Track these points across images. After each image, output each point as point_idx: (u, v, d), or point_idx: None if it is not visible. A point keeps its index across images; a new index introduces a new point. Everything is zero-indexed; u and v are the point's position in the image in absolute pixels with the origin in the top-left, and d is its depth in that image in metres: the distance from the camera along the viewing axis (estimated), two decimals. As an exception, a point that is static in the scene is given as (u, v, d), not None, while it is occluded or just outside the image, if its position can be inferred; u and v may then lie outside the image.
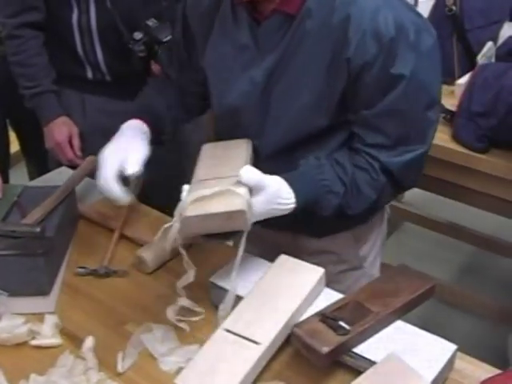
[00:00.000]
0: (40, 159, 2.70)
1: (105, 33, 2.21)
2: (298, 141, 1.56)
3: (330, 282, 1.54)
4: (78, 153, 2.33)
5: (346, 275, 1.79)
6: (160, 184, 2.16)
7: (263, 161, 1.57)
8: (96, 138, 1.63)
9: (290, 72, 1.50)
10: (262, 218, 1.41)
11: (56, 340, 1.47)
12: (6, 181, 2.45)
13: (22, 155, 2.87)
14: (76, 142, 2.33)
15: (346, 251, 1.78)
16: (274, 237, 1.73)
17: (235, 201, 1.34)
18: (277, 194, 1.40)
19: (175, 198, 1.40)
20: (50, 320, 1.50)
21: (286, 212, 1.44)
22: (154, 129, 1.68)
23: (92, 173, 1.94)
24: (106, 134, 1.61)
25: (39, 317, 1.53)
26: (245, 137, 1.62)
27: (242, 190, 1.36)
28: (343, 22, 1.41)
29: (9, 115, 2.61)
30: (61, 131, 2.30)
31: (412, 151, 1.49)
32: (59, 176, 2.05)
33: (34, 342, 1.47)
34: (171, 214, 1.41)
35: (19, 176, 2.90)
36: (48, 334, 1.48)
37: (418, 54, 1.41)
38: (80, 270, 1.68)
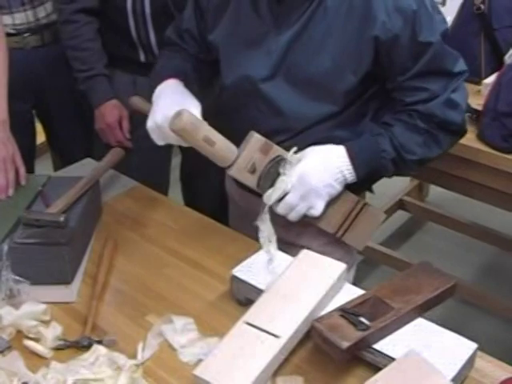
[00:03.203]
0: (65, 150, 2.73)
1: (158, 16, 2.25)
2: (325, 111, 1.65)
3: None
4: (127, 135, 2.37)
5: (333, 247, 1.77)
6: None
7: (291, 137, 1.68)
8: (146, 118, 1.67)
9: (308, 43, 1.60)
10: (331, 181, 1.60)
11: (46, 351, 1.42)
12: (31, 171, 2.48)
13: (48, 146, 2.88)
14: (125, 124, 2.38)
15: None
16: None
17: None
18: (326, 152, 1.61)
19: None
20: (56, 330, 1.47)
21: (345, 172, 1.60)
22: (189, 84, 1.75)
23: (116, 164, 1.97)
24: None
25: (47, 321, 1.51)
26: (257, 109, 1.69)
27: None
28: (365, 0, 1.52)
29: (35, 106, 2.63)
30: (112, 113, 2.35)
31: (446, 90, 1.61)
32: (84, 167, 2.06)
33: (26, 342, 1.44)
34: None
35: (44, 167, 2.92)
36: (47, 340, 1.44)
37: (438, 19, 1.58)
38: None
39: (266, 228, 1.55)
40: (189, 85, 1.74)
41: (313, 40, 1.58)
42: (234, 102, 1.76)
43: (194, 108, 1.62)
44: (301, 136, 1.66)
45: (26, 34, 2.45)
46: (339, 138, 1.65)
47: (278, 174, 1.60)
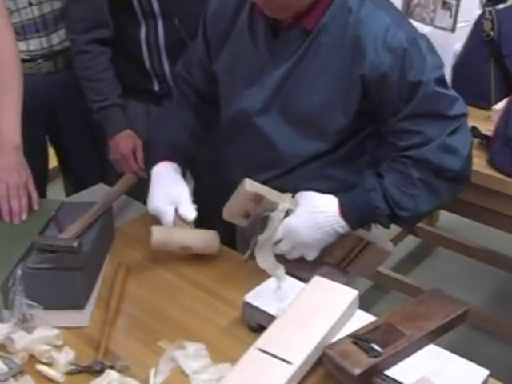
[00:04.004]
0: (77, 175, 2.74)
1: (172, 47, 2.26)
2: (317, 148, 1.65)
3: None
4: (141, 165, 2.37)
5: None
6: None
7: (285, 173, 1.69)
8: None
9: (301, 79, 1.62)
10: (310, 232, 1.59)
11: (59, 376, 1.43)
12: (43, 196, 2.49)
13: (60, 171, 2.90)
14: (140, 154, 2.36)
15: None
16: None
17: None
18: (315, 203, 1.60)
19: None
20: (69, 355, 1.47)
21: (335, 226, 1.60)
22: (182, 160, 1.84)
23: (128, 190, 1.98)
24: None
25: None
26: (252, 142, 1.71)
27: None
28: (356, 38, 1.54)
29: (48, 131, 2.65)
30: (126, 144, 2.35)
31: (441, 134, 1.56)
32: (96, 192, 2.08)
33: (38, 367, 1.45)
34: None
35: (56, 191, 2.93)
36: (59, 365, 1.44)
37: (432, 62, 1.56)
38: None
39: (266, 256, 1.60)
40: (184, 152, 1.86)
41: (305, 77, 1.61)
42: (230, 133, 1.78)
43: (182, 191, 1.77)
44: (295, 173, 1.68)
45: (39, 60, 2.48)
46: (334, 177, 1.67)
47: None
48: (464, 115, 1.60)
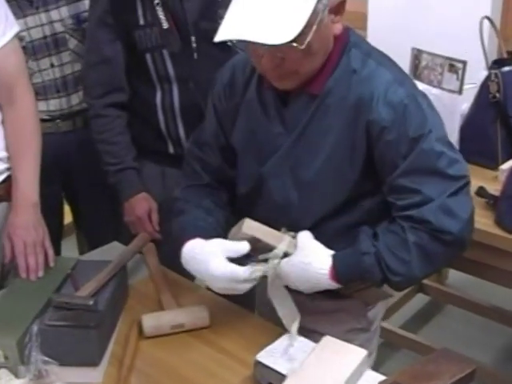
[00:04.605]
0: (92, 232, 2.78)
1: (187, 111, 2.29)
2: (328, 207, 1.67)
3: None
4: (157, 227, 2.39)
5: (354, 335, 1.80)
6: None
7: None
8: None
9: (311, 140, 1.64)
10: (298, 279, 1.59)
11: None
12: (58, 252, 2.52)
13: (74, 228, 2.94)
14: (155, 217, 2.39)
15: (357, 311, 1.82)
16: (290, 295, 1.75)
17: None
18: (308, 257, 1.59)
19: None
20: None
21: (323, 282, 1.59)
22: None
23: (142, 249, 2.01)
24: None
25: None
26: (270, 206, 1.72)
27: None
28: (359, 97, 1.58)
29: (64, 188, 2.70)
30: (141, 206, 2.37)
31: (441, 195, 1.55)
32: (110, 251, 2.11)
33: None
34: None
35: (69, 247, 2.96)
36: None
37: (431, 116, 1.58)
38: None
39: (284, 301, 1.61)
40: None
41: (313, 138, 1.64)
42: (249, 202, 1.79)
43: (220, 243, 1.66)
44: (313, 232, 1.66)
45: (58, 120, 2.54)
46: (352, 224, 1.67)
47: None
48: (465, 177, 1.59)
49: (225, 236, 1.69)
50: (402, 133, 1.55)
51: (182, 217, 1.81)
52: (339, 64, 1.62)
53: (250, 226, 1.62)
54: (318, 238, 1.64)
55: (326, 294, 1.68)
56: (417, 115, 1.55)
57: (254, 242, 1.61)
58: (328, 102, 1.62)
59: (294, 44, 1.46)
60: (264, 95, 1.70)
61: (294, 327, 1.60)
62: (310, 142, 1.64)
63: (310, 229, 1.65)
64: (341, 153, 1.61)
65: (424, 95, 1.64)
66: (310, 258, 1.60)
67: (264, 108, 1.70)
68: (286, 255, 1.61)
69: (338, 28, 1.59)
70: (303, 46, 1.48)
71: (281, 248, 1.61)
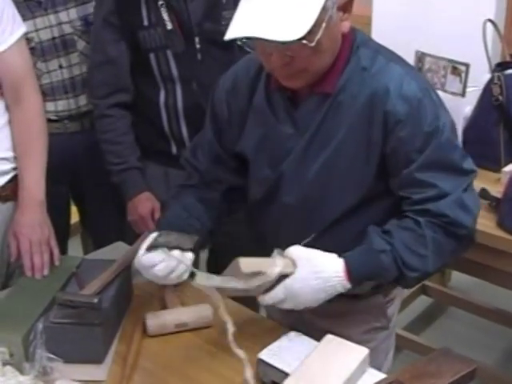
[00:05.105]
0: (98, 231, 2.80)
1: (190, 111, 2.30)
2: (343, 208, 1.64)
3: (357, 342, 1.59)
4: None
5: (374, 334, 1.80)
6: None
7: (318, 235, 1.65)
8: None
9: (324, 139, 1.63)
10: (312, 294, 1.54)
11: None
12: (64, 251, 2.54)
13: (79, 227, 2.95)
14: (158, 216, 2.39)
15: (376, 310, 1.82)
16: None
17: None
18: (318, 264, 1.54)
19: None
20: None
21: (338, 286, 1.54)
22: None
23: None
24: None
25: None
26: (284, 210, 1.71)
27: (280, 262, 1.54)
28: (373, 93, 1.57)
29: (71, 188, 2.71)
30: (145, 206, 2.39)
31: (457, 189, 1.56)
32: (115, 250, 2.12)
33: None
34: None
35: (74, 246, 2.98)
36: None
37: (442, 109, 1.59)
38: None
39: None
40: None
41: (328, 136, 1.62)
42: (260, 205, 1.78)
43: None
44: (328, 234, 1.66)
45: (66, 121, 2.56)
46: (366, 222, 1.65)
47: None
48: (474, 172, 1.61)
49: (206, 229, 1.80)
50: (416, 127, 1.55)
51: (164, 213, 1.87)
52: (349, 62, 1.61)
53: (247, 265, 1.56)
54: (332, 241, 1.62)
55: (342, 295, 1.64)
56: (431, 109, 1.56)
57: (252, 276, 1.56)
58: (341, 99, 1.61)
59: (304, 41, 1.45)
60: (272, 98, 1.69)
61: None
62: (324, 142, 1.63)
63: (324, 231, 1.65)
64: (355, 151, 1.60)
65: (433, 88, 1.65)
66: (321, 266, 1.55)
67: (273, 111, 1.69)
68: (285, 276, 1.55)
69: (346, 26, 1.58)
70: (313, 43, 1.47)
71: (273, 270, 1.54)
